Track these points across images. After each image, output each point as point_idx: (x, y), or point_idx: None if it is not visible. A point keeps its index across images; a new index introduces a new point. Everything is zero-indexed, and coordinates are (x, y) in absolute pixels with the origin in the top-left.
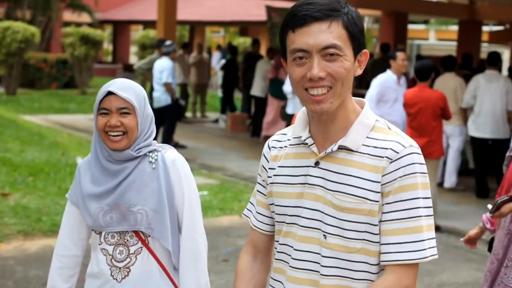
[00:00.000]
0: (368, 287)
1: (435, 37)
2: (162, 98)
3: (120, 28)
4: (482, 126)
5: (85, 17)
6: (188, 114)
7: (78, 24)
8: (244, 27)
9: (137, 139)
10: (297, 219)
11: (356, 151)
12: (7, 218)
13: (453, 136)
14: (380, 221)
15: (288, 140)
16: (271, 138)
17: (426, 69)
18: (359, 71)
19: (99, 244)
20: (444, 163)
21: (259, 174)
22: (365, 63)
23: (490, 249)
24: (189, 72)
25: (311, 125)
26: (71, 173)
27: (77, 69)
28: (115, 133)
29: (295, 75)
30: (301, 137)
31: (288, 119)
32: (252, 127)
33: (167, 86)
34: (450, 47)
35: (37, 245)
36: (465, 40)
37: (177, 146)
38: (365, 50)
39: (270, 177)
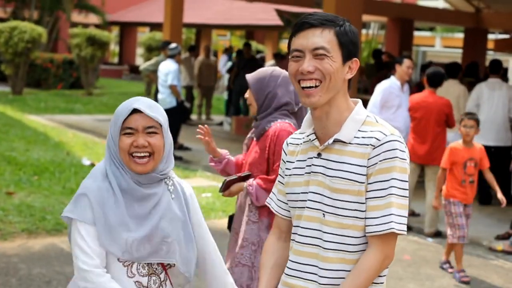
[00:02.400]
0: (358, 261)
1: (441, 44)
2: (167, 100)
3: (127, 29)
4: (485, 134)
5: (92, 18)
6: (193, 116)
7: (85, 25)
8: (250, 31)
9: (160, 164)
10: (305, 203)
11: (349, 143)
12: (12, 217)
13: None
14: (366, 198)
15: (302, 138)
16: (290, 136)
17: (440, 77)
18: (349, 76)
19: (131, 277)
20: None
21: (280, 167)
22: (356, 70)
23: (229, 226)
24: (195, 75)
25: (314, 123)
26: (76, 173)
27: (83, 70)
28: (142, 154)
29: (290, 69)
30: (306, 133)
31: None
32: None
33: (172, 89)
34: (455, 54)
35: (41, 244)
36: (471, 47)
37: (181, 148)
38: (355, 59)
39: (289, 169)
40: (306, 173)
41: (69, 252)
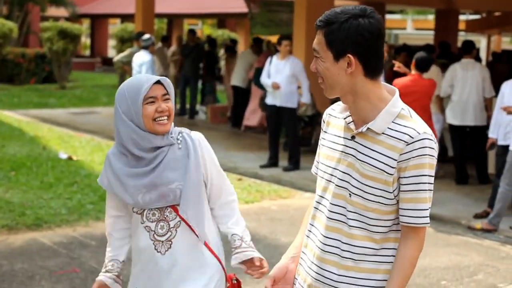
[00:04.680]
0: (399, 252)
1: (412, 27)
2: None
3: (98, 21)
4: (460, 114)
5: (62, 11)
6: None
7: (56, 19)
8: (221, 20)
9: (172, 123)
10: (333, 178)
11: (382, 133)
12: None
13: None
14: (400, 190)
15: (340, 114)
16: (330, 107)
17: (429, 61)
18: (350, 70)
19: (142, 223)
20: None
21: (321, 132)
22: (354, 65)
23: None
24: (168, 65)
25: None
26: (53, 167)
27: (56, 63)
28: (163, 117)
29: None
30: (343, 114)
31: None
32: (232, 117)
33: None
34: (427, 36)
35: (21, 239)
36: (442, 29)
37: None
38: (348, 55)
39: (324, 139)
40: (339, 151)
41: (51, 246)
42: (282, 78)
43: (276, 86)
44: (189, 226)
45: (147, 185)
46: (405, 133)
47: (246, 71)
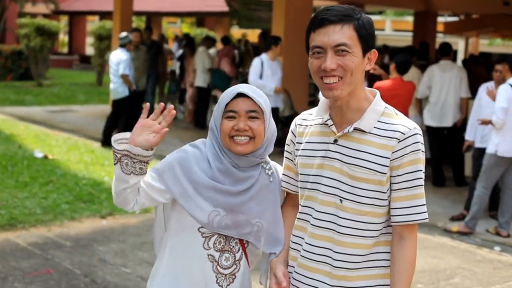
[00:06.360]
0: (396, 256)
1: (391, 28)
2: (119, 90)
3: (76, 19)
4: (437, 116)
5: (39, 8)
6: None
7: (33, 15)
8: (201, 18)
9: (260, 148)
10: (318, 186)
11: (369, 132)
12: None
13: None
14: (392, 190)
15: (313, 120)
16: (298, 117)
17: (408, 63)
18: (368, 67)
19: (206, 250)
20: None
21: (287, 144)
22: (374, 60)
23: None
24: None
25: (331, 109)
26: (29, 165)
27: (33, 60)
28: (242, 138)
29: (313, 66)
30: (323, 118)
31: None
32: (195, 117)
33: (124, 78)
34: (406, 38)
35: None
36: (421, 30)
37: None
38: (374, 50)
39: (298, 150)
40: (320, 156)
41: (25, 247)
42: (277, 79)
43: (279, 90)
44: (248, 262)
45: (226, 208)
46: (396, 131)
47: (206, 71)
